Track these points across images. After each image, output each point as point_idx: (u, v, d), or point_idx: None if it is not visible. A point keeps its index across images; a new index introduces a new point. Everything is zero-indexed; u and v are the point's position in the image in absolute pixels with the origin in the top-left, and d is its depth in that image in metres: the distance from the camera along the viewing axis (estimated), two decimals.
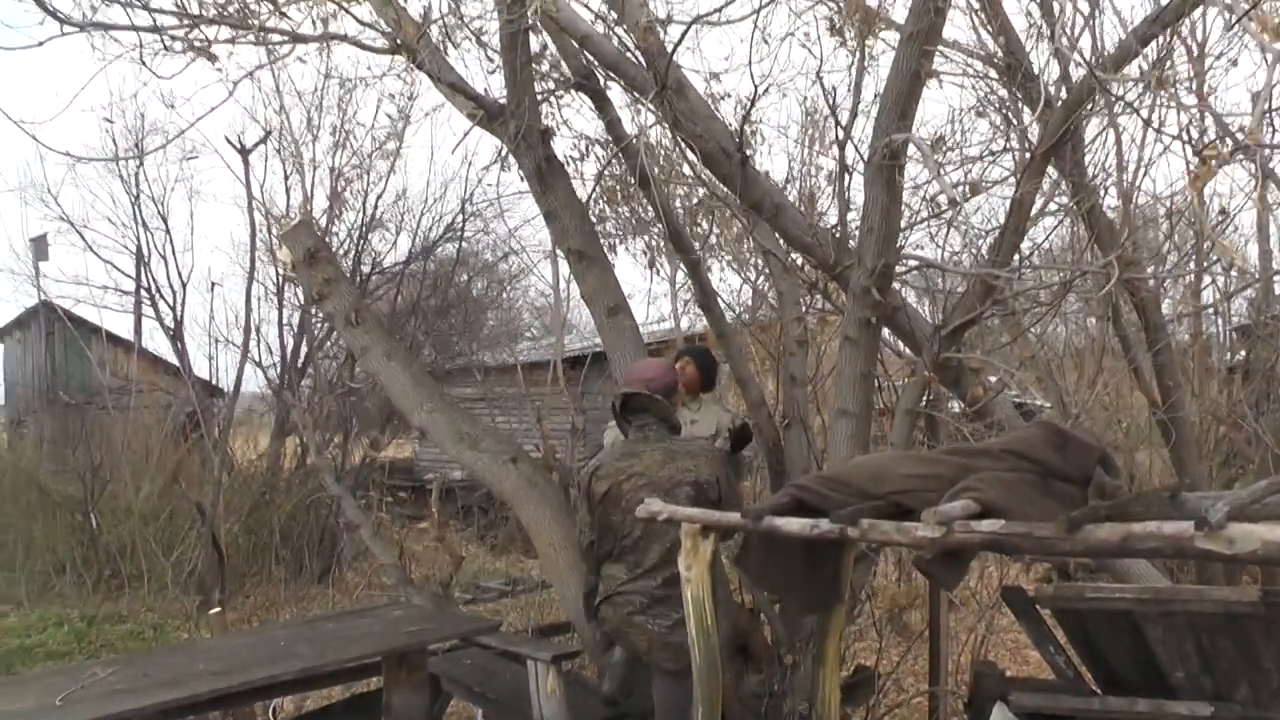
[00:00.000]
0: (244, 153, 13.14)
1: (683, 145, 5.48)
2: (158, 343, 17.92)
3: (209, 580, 10.56)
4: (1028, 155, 4.96)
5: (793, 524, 3.37)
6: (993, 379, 5.87)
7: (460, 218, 15.73)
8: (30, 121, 5.06)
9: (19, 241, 22.46)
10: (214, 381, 16.53)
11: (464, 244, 16.53)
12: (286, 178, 14.54)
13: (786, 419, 5.86)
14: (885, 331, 5.65)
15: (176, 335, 14.98)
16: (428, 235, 16.07)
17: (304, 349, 14.51)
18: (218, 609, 7.14)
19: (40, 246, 17.92)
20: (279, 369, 14.48)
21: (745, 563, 3.91)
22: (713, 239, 8.73)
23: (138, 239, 15.30)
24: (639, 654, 4.48)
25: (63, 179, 23.80)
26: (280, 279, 14.30)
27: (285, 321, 14.52)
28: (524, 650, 4.97)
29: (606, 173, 7.13)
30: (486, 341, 18.57)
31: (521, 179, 5.77)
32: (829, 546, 3.66)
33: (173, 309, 14.92)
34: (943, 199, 5.34)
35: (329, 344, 14.93)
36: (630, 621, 4.41)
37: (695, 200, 8.03)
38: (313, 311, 13.82)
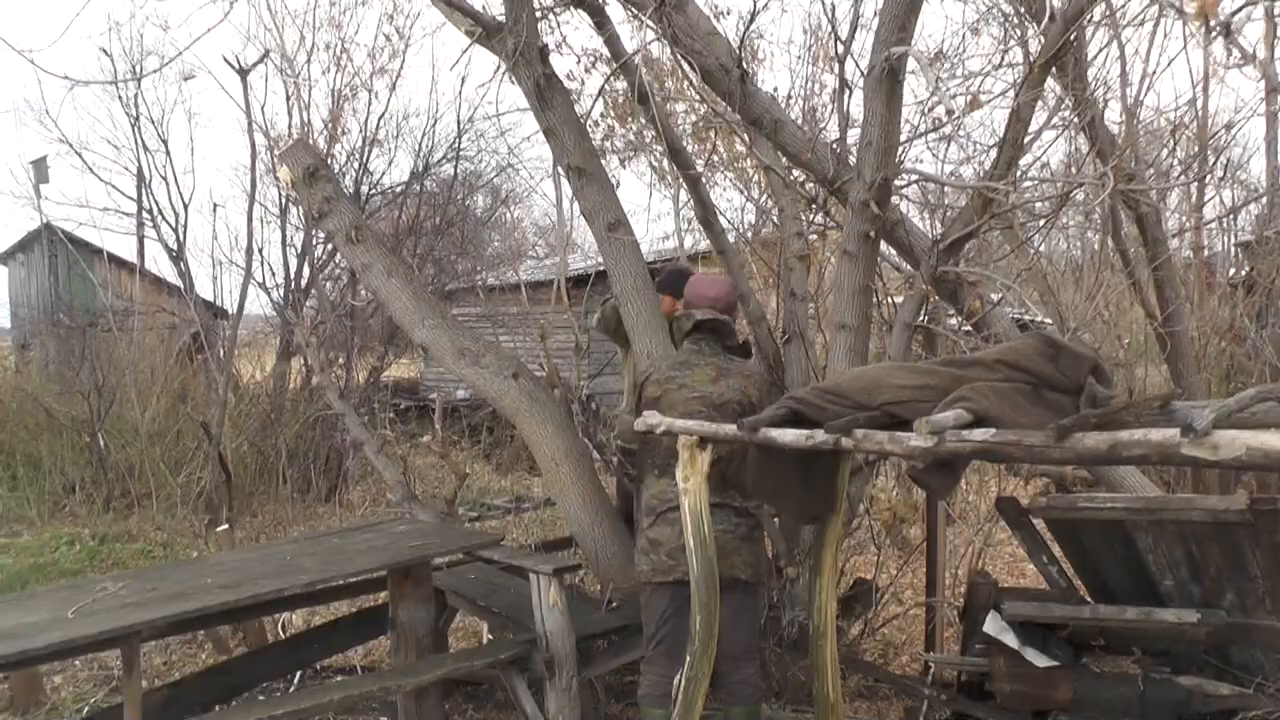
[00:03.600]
0: (242, 73, 13.05)
1: (682, 62, 5.44)
2: (160, 265, 17.93)
3: (217, 499, 10.68)
4: (1028, 67, 4.93)
5: (788, 435, 3.43)
6: (995, 297, 5.88)
7: (458, 137, 15.67)
8: (30, 50, 5.03)
9: (19, 164, 22.39)
10: (218, 303, 16.55)
11: (464, 163, 16.46)
12: (288, 99, 14.46)
13: (786, 334, 5.88)
14: (884, 246, 5.65)
15: (179, 257, 14.99)
16: (428, 155, 16.00)
17: (307, 270, 14.50)
18: (225, 526, 7.24)
19: (41, 169, 17.83)
20: (282, 290, 14.49)
21: (742, 474, 3.96)
22: (715, 157, 8.69)
23: (138, 161, 15.29)
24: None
25: (62, 102, 23.61)
26: (283, 200, 14.28)
27: (288, 242, 14.52)
28: (526, 564, 5.03)
29: (614, 89, 7.08)
30: (490, 261, 18.54)
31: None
32: (824, 458, 3.71)
33: (175, 230, 14.92)
34: (941, 112, 5.32)
35: (332, 265, 14.92)
36: None
37: (697, 117, 7.98)
38: (315, 232, 13.82)
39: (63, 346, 16.86)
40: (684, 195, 9.83)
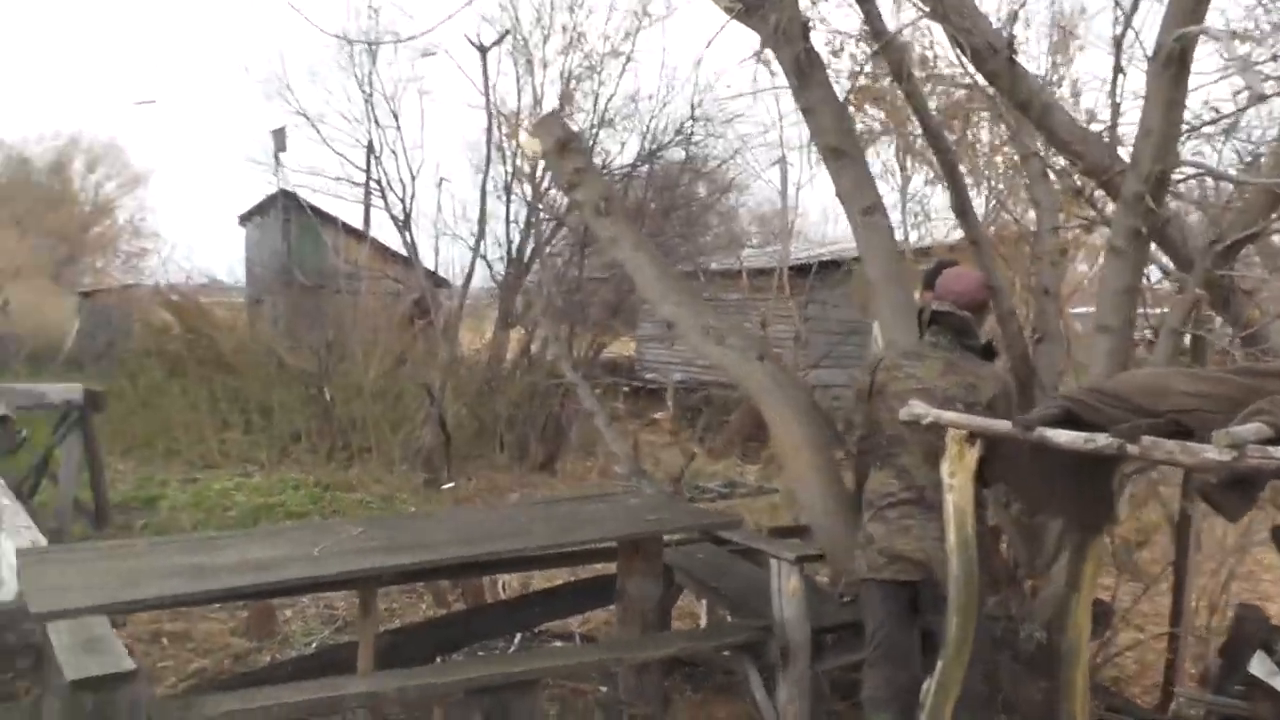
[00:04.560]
0: (482, 51, 13.43)
1: (950, 40, 5.23)
2: (386, 234, 18.69)
3: (435, 459, 11.00)
4: None
5: (1064, 436, 3.22)
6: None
7: (690, 121, 15.70)
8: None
9: (262, 134, 23.79)
10: (439, 272, 17.09)
11: (692, 147, 16.47)
12: (518, 78, 14.77)
13: (1038, 332, 5.61)
14: None
15: (405, 226, 15.54)
16: (657, 137, 16.06)
17: (531, 244, 14.78)
18: (451, 484, 7.40)
19: (280, 138, 18.87)
20: (505, 263, 14.83)
21: (1010, 474, 3.76)
22: (977, 148, 8.41)
23: (369, 134, 15.92)
24: (915, 573, 4.11)
25: (299, 77, 24.81)
26: (509, 176, 14.65)
27: (512, 218, 14.85)
28: (767, 548, 4.93)
29: (868, 72, 6.89)
30: (709, 246, 18.53)
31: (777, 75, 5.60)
32: (1100, 463, 3.48)
33: (402, 201, 15.47)
34: (1243, 98, 4.92)
35: (554, 241, 15.17)
36: (910, 532, 4.09)
37: (947, 102, 7.71)
38: (539, 207, 14.09)
39: (293, 304, 17.71)
40: (911, 188, 9.58)
